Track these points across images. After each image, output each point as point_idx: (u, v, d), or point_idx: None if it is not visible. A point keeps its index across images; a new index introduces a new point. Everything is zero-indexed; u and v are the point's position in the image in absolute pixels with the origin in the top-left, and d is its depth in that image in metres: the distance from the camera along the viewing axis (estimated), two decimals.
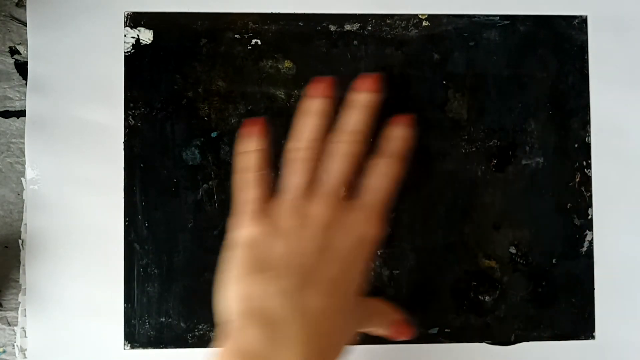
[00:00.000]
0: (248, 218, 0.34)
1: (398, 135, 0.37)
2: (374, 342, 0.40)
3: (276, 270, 0.31)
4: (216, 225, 0.40)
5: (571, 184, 0.41)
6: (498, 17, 0.41)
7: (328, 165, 0.35)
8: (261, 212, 0.34)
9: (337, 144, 0.35)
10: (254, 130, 0.36)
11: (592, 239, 0.41)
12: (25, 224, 0.39)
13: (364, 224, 0.34)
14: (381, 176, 0.36)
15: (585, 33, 0.41)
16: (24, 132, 0.39)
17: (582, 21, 0.41)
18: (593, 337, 0.40)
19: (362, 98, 0.36)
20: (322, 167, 0.35)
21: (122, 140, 0.40)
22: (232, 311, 0.31)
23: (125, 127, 0.40)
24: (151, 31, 0.40)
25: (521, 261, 0.40)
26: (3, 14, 0.40)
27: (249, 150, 0.35)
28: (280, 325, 0.30)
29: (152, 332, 0.39)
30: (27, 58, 0.40)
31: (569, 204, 0.41)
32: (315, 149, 0.35)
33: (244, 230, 0.33)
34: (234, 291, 0.32)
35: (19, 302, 0.39)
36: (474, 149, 0.41)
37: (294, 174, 0.35)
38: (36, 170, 0.39)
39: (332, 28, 0.40)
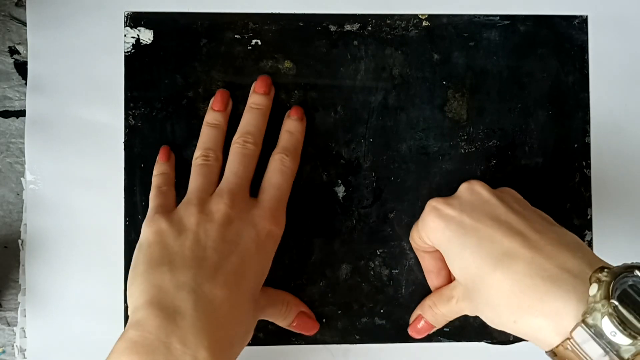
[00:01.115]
0: (155, 218, 0.35)
1: (288, 129, 0.39)
2: (374, 342, 0.40)
3: (178, 263, 0.33)
4: None
5: (570, 184, 0.41)
6: (498, 17, 0.41)
7: (227, 166, 0.38)
8: (166, 213, 0.36)
9: (233, 146, 0.38)
10: (163, 157, 0.39)
11: (591, 239, 0.41)
12: (25, 224, 0.39)
13: (262, 219, 0.36)
14: (275, 172, 0.38)
15: (586, 33, 0.41)
16: (23, 132, 0.39)
17: (583, 21, 0.41)
18: None
19: (254, 100, 0.39)
20: (224, 169, 0.38)
21: (122, 140, 0.40)
22: (136, 304, 0.32)
23: (126, 127, 0.40)
24: (151, 31, 0.40)
25: None
26: (3, 13, 0.40)
27: (157, 174, 0.39)
28: (180, 316, 0.31)
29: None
30: (26, 58, 0.40)
31: (569, 204, 0.41)
32: (213, 153, 0.38)
33: (149, 229, 0.35)
34: (138, 285, 0.33)
35: (19, 302, 0.39)
36: (473, 149, 0.41)
37: (195, 178, 0.37)
38: (36, 170, 0.39)
39: (332, 28, 0.40)
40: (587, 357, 0.27)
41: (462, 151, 0.41)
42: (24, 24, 0.40)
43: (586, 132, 0.41)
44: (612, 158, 0.41)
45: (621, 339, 0.26)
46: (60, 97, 0.39)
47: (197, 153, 0.38)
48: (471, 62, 0.41)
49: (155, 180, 0.39)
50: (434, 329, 0.39)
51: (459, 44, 0.41)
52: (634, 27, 0.41)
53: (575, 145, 0.41)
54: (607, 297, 0.26)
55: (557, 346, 0.28)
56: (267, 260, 0.36)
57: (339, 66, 0.40)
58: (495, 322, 0.32)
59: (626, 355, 0.26)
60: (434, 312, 0.38)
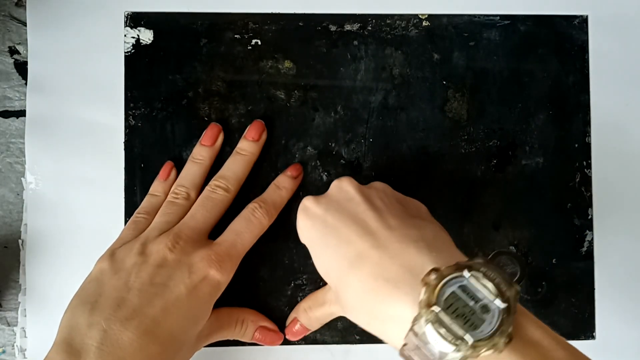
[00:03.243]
0: (104, 255, 0.35)
1: (278, 182, 0.39)
2: (374, 342, 0.40)
3: (100, 303, 0.32)
4: (216, 225, 0.39)
5: (571, 184, 0.41)
6: (498, 17, 0.41)
7: (192, 207, 0.37)
8: (114, 250, 0.35)
9: (205, 188, 0.38)
10: (163, 174, 0.39)
11: (592, 239, 0.41)
12: (25, 224, 0.39)
13: (202, 262, 0.34)
14: (242, 219, 0.37)
15: (586, 33, 0.41)
16: (23, 132, 0.39)
17: (583, 21, 0.41)
18: (593, 337, 0.40)
19: (241, 146, 0.39)
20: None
21: (122, 140, 0.40)
22: (54, 341, 0.33)
23: (126, 127, 0.40)
24: (151, 31, 0.40)
25: (527, 264, 0.40)
26: (3, 13, 0.40)
27: (149, 194, 0.39)
28: (85, 354, 0.31)
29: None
30: (26, 58, 0.40)
31: (569, 204, 0.41)
32: (185, 191, 0.37)
33: (96, 265, 0.35)
34: (63, 320, 0.33)
35: (19, 302, 0.39)
36: (473, 149, 0.41)
37: (158, 215, 0.37)
38: (36, 170, 0.39)
39: (332, 28, 0.40)
40: None
41: (462, 151, 0.40)
42: (24, 24, 0.40)
43: (587, 131, 0.41)
44: (613, 158, 0.41)
45: (444, 347, 0.25)
46: (60, 97, 0.40)
47: (173, 189, 0.38)
48: (471, 62, 0.41)
49: (143, 202, 0.38)
50: (310, 332, 0.39)
51: (459, 44, 0.41)
52: (634, 27, 0.41)
53: (576, 145, 0.41)
54: (429, 304, 0.25)
55: (400, 350, 0.27)
56: (201, 306, 0.34)
57: (339, 66, 0.40)
58: (357, 323, 0.31)
59: None
60: (308, 316, 0.38)
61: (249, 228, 0.37)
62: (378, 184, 0.35)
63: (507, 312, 0.25)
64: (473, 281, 0.26)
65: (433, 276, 0.26)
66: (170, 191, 0.38)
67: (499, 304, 0.25)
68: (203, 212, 0.37)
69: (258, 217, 0.37)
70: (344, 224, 0.31)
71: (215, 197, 0.37)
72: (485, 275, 0.26)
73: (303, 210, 0.34)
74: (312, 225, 0.33)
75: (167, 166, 0.39)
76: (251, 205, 0.37)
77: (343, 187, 0.34)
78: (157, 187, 0.39)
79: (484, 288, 0.26)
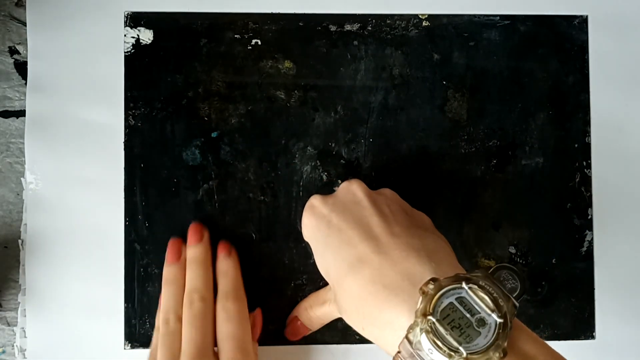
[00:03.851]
0: None
1: (220, 269, 0.38)
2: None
3: None
4: (216, 225, 0.40)
5: (571, 184, 0.41)
6: (498, 17, 0.41)
7: (183, 331, 0.35)
8: None
9: (184, 310, 0.36)
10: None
11: (592, 239, 0.41)
12: (25, 224, 0.39)
13: None
14: (223, 323, 0.36)
15: (586, 33, 0.41)
16: (23, 132, 0.39)
17: (583, 21, 0.41)
18: (593, 337, 0.40)
19: (189, 254, 0.38)
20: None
21: (122, 140, 0.40)
22: None
23: (126, 127, 0.40)
24: (151, 31, 0.40)
25: (521, 261, 0.40)
26: (3, 13, 0.40)
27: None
28: None
29: (152, 332, 0.39)
30: (26, 58, 0.40)
31: (569, 204, 0.41)
32: (174, 315, 0.36)
33: None
34: None
35: (19, 302, 0.39)
36: (473, 149, 0.41)
37: (161, 351, 0.35)
38: (36, 170, 0.39)
39: (332, 28, 0.40)
40: None
41: (462, 151, 0.40)
42: (24, 24, 0.40)
43: (586, 132, 0.41)
44: (613, 158, 0.41)
45: (438, 357, 0.25)
46: (60, 97, 0.39)
47: (159, 318, 0.37)
48: (471, 62, 0.41)
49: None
50: (310, 332, 0.39)
51: (459, 44, 0.41)
52: (634, 27, 0.41)
53: (576, 145, 0.41)
54: (425, 313, 0.25)
55: (393, 357, 0.27)
56: None
57: (339, 66, 0.40)
58: (352, 326, 0.31)
59: None
60: (309, 315, 0.38)
61: (234, 324, 0.36)
62: (387, 191, 0.35)
63: (503, 327, 0.25)
64: (471, 294, 0.26)
65: (431, 286, 0.26)
66: (159, 323, 0.36)
67: (495, 318, 0.25)
68: (195, 331, 0.35)
69: (232, 310, 0.36)
70: (348, 225, 0.31)
71: (197, 312, 0.36)
72: (483, 289, 0.26)
73: (309, 208, 0.34)
74: (317, 224, 0.33)
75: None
76: (219, 307, 0.36)
77: (352, 190, 0.34)
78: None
79: (482, 301, 0.26)
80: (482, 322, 0.25)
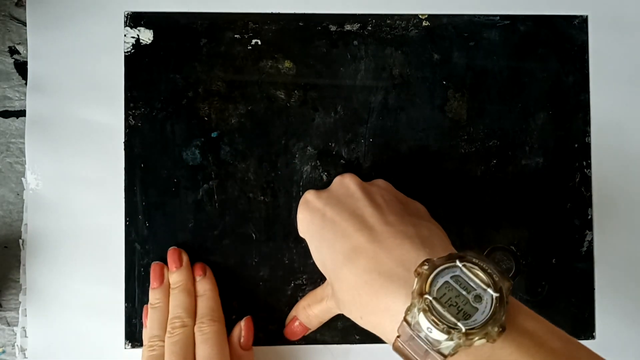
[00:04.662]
0: None
1: (199, 292, 0.38)
2: (374, 342, 0.40)
3: None
4: (216, 225, 0.40)
5: (571, 184, 0.41)
6: (498, 17, 0.41)
7: (166, 358, 0.36)
8: None
9: (167, 337, 0.36)
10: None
11: (592, 239, 0.41)
12: (26, 224, 0.39)
13: None
14: (200, 345, 0.36)
15: (586, 33, 0.41)
16: (23, 132, 0.39)
17: (583, 21, 0.41)
18: (593, 337, 0.40)
19: (172, 280, 0.38)
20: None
21: (123, 140, 0.40)
22: None
23: (126, 127, 0.40)
24: (151, 31, 0.40)
25: (521, 261, 0.40)
26: (3, 13, 0.40)
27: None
28: None
29: None
30: (26, 58, 0.40)
31: (569, 204, 0.41)
32: (159, 339, 0.36)
33: None
34: None
35: (19, 302, 0.39)
36: (473, 149, 0.41)
37: None
38: (36, 170, 0.39)
39: (332, 28, 0.40)
40: (415, 355, 0.26)
41: (462, 151, 0.40)
42: (24, 24, 0.40)
43: (586, 132, 0.41)
44: (613, 158, 0.41)
45: (437, 335, 0.25)
46: (60, 97, 0.40)
47: (145, 341, 0.37)
48: (471, 62, 0.41)
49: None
50: (309, 331, 0.39)
51: (459, 44, 0.41)
52: (634, 27, 0.41)
53: (576, 145, 0.41)
54: (422, 293, 0.25)
55: (393, 343, 0.27)
56: None
57: (339, 66, 0.40)
58: (350, 317, 0.31)
59: (446, 352, 0.25)
60: (307, 314, 0.38)
61: (210, 345, 0.36)
62: (380, 182, 0.35)
63: (499, 301, 0.25)
64: (466, 271, 0.26)
65: (426, 266, 0.26)
66: (145, 346, 0.37)
67: (491, 292, 0.25)
68: (175, 358, 0.35)
69: (207, 332, 0.36)
70: (342, 217, 0.32)
71: (179, 338, 0.36)
72: (478, 266, 0.26)
73: (304, 203, 0.34)
74: (311, 218, 0.33)
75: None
76: (196, 329, 0.37)
77: (345, 183, 0.34)
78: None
79: (477, 277, 0.26)
80: (478, 298, 0.26)
